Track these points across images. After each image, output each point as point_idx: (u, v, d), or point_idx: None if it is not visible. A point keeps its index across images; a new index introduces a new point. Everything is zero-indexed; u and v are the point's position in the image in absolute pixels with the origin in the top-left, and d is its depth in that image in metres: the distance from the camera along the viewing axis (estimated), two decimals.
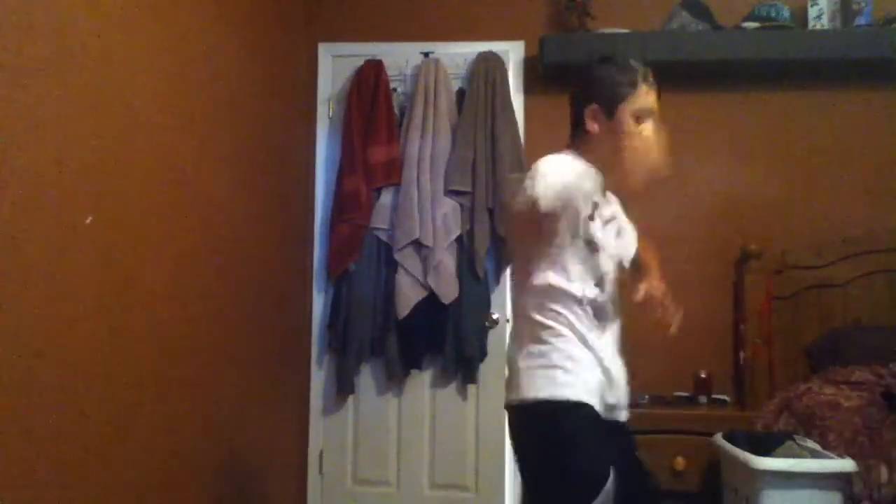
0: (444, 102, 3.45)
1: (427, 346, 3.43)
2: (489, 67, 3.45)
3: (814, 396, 2.73)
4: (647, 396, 3.24)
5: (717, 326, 3.37)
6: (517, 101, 3.51)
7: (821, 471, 2.32)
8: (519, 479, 1.77)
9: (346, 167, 3.49)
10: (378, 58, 3.55)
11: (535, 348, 1.69)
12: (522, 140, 3.44)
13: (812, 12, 3.30)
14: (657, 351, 3.31)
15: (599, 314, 1.74)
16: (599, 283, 1.73)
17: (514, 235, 1.78)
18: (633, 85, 1.73)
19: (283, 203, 3.34)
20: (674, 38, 3.29)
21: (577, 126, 1.78)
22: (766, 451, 2.49)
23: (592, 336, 1.71)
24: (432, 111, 3.44)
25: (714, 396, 3.25)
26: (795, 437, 2.56)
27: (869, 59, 3.23)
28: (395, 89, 3.56)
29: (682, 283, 3.29)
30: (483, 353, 3.40)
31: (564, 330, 1.69)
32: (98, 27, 1.92)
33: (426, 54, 3.55)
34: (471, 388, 3.46)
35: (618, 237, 1.84)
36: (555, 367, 1.66)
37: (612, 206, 1.84)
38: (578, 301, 1.70)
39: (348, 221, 3.44)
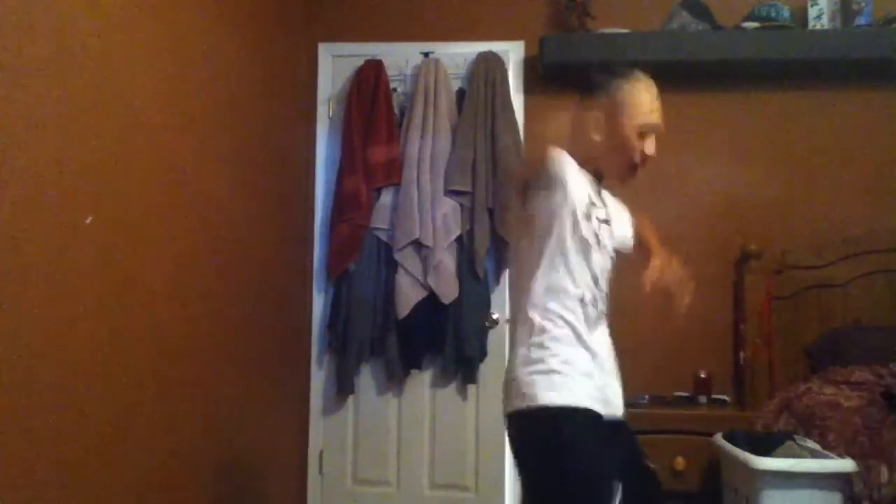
0: (444, 102, 3.45)
1: (427, 346, 3.43)
2: (489, 67, 3.45)
3: (814, 396, 2.73)
4: (647, 396, 3.24)
5: (717, 326, 3.37)
6: (517, 101, 3.51)
7: (821, 471, 2.32)
8: (519, 480, 1.77)
9: (346, 167, 3.49)
10: (378, 58, 3.55)
11: (534, 353, 1.68)
12: (522, 140, 3.44)
13: (812, 12, 3.30)
14: (657, 351, 3.34)
15: (595, 312, 1.74)
16: (595, 281, 1.73)
17: (514, 238, 1.77)
18: (640, 96, 1.73)
19: (283, 203, 3.34)
20: (674, 38, 3.29)
21: (578, 131, 1.78)
22: (766, 451, 2.49)
23: (589, 335, 1.71)
24: (432, 111, 3.44)
25: (714, 396, 3.24)
26: (795, 437, 2.56)
27: (869, 59, 3.23)
28: (395, 89, 3.56)
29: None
30: (483, 353, 3.40)
31: (563, 332, 1.68)
32: (98, 27, 1.92)
33: (426, 54, 3.55)
34: (471, 388, 3.46)
35: (612, 230, 1.83)
36: (552, 371, 1.66)
37: (607, 209, 1.83)
38: (578, 299, 1.69)
39: (348, 221, 3.44)
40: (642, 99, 1.73)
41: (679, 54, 3.25)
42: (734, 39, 3.28)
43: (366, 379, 3.53)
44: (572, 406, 1.64)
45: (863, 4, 3.23)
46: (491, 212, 3.38)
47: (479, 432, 3.44)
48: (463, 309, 3.36)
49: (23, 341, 1.65)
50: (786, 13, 3.29)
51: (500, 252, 3.43)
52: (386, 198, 3.46)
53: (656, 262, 1.74)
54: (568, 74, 3.19)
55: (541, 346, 1.68)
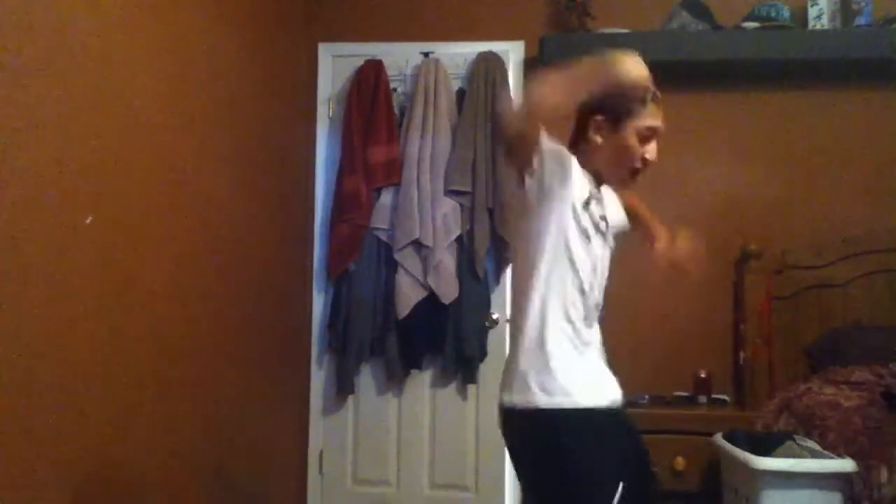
0: (444, 102, 3.45)
1: (427, 346, 3.43)
2: (489, 67, 3.45)
3: (814, 396, 2.73)
4: (647, 396, 3.24)
5: (717, 326, 3.37)
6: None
7: (821, 471, 2.32)
8: (517, 477, 1.77)
9: (346, 167, 3.49)
10: (378, 58, 3.55)
11: (535, 348, 1.67)
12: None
13: (812, 12, 3.30)
14: (657, 351, 3.34)
15: (594, 303, 1.73)
16: (595, 271, 1.73)
17: (515, 231, 1.76)
18: (643, 102, 1.72)
19: (283, 203, 3.34)
20: (674, 38, 3.29)
21: (579, 133, 1.78)
22: (766, 451, 2.49)
23: (587, 329, 1.71)
24: (432, 111, 3.44)
25: (714, 396, 3.24)
26: (795, 437, 2.56)
27: (869, 59, 3.22)
28: (395, 89, 3.56)
29: (682, 283, 3.34)
30: (483, 353, 3.40)
31: (564, 326, 1.67)
32: (98, 27, 1.92)
33: (426, 54, 3.55)
34: (471, 388, 3.46)
35: (610, 222, 1.84)
36: (554, 370, 1.65)
37: (606, 204, 1.83)
38: (580, 291, 1.68)
39: (348, 221, 3.44)
40: (646, 100, 1.73)
41: (679, 54, 3.25)
42: (734, 39, 3.28)
43: (366, 379, 3.53)
44: (573, 408, 1.63)
45: (863, 4, 3.23)
46: (491, 212, 3.38)
47: (479, 432, 3.44)
48: (463, 309, 3.36)
49: (23, 341, 1.65)
50: (786, 13, 3.28)
51: (500, 252, 3.43)
52: (386, 198, 3.46)
53: (663, 236, 1.82)
54: None
55: (544, 342, 1.66)
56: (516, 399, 1.68)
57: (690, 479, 2.97)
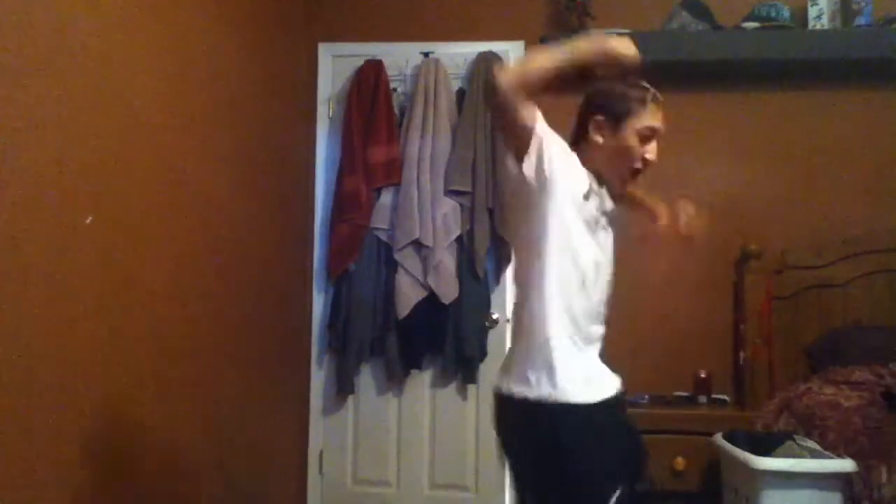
0: (444, 102, 3.45)
1: (427, 346, 3.43)
2: (489, 67, 3.45)
3: (814, 396, 2.73)
4: (647, 396, 3.24)
5: (717, 326, 3.37)
6: None
7: (821, 471, 2.32)
8: (508, 465, 1.76)
9: (346, 167, 3.49)
10: (378, 58, 3.55)
11: (537, 342, 1.66)
12: None
13: (812, 12, 3.30)
14: (657, 351, 3.34)
15: (597, 302, 1.73)
16: (598, 266, 1.72)
17: (515, 224, 1.75)
18: (643, 103, 1.72)
19: (283, 203, 3.34)
20: (674, 38, 3.29)
21: (580, 133, 1.78)
22: (766, 451, 2.49)
23: (590, 324, 1.71)
24: (432, 111, 3.44)
25: (714, 396, 3.25)
26: (795, 437, 2.56)
27: (869, 59, 3.23)
28: (395, 89, 3.56)
29: (682, 283, 3.35)
30: (483, 353, 3.40)
31: (566, 321, 1.66)
32: (98, 27, 1.92)
33: (426, 54, 3.55)
34: (471, 388, 3.46)
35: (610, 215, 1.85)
36: (555, 365, 1.64)
37: (605, 204, 1.82)
38: (581, 286, 1.67)
39: (348, 221, 3.44)
40: (646, 101, 1.74)
41: (679, 54, 3.24)
42: (734, 39, 3.28)
43: (366, 379, 3.53)
44: (572, 402, 1.63)
45: (863, 4, 3.23)
46: (491, 212, 3.38)
47: (479, 432, 3.45)
48: (463, 309, 3.36)
49: (23, 341, 1.65)
50: (786, 13, 3.29)
51: (500, 252, 3.43)
52: (386, 198, 3.46)
53: (664, 212, 1.88)
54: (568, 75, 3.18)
55: (542, 337, 1.65)
56: (515, 389, 1.67)
57: (690, 479, 2.97)
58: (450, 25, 3.60)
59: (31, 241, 1.67)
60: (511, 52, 3.54)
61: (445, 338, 3.39)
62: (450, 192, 3.39)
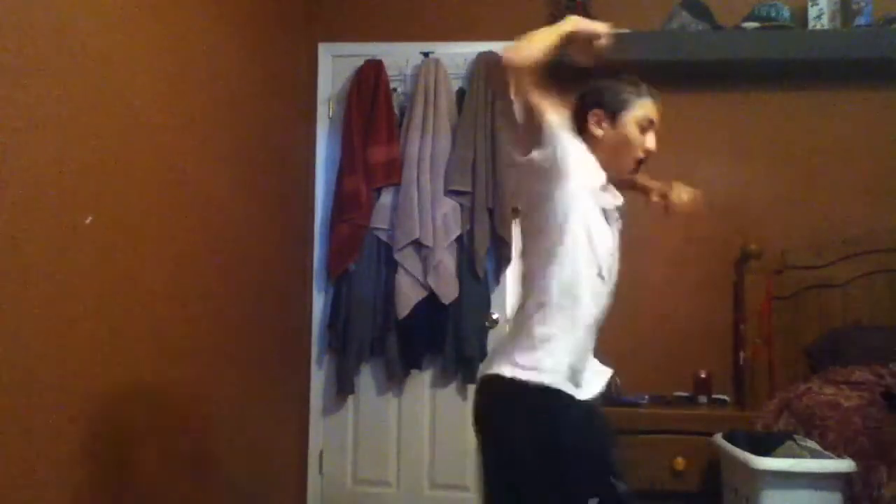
0: (444, 102, 3.45)
1: (427, 346, 3.43)
2: (491, 62, 3.45)
3: (814, 396, 2.73)
4: (647, 396, 3.24)
5: (717, 326, 3.37)
6: None
7: (820, 471, 2.32)
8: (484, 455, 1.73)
9: (346, 167, 3.49)
10: (378, 58, 3.55)
11: (541, 326, 1.66)
12: None
13: (812, 12, 3.30)
14: (657, 351, 3.34)
15: (608, 293, 1.73)
16: (611, 255, 1.74)
17: (535, 208, 1.74)
18: (638, 95, 1.77)
19: (283, 203, 3.34)
20: (674, 38, 3.29)
21: (579, 130, 1.79)
22: (766, 451, 2.49)
23: (601, 312, 1.72)
24: (432, 111, 3.44)
25: (714, 396, 3.24)
26: (795, 437, 2.56)
27: (869, 59, 3.22)
28: (395, 89, 3.56)
29: (682, 283, 3.35)
30: (483, 353, 3.39)
31: (583, 308, 1.66)
32: (98, 27, 1.92)
33: (426, 54, 3.55)
34: (471, 388, 3.45)
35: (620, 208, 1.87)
36: (557, 355, 1.64)
37: (616, 198, 1.83)
38: (598, 268, 1.68)
39: (348, 221, 3.44)
40: (641, 93, 1.78)
41: (679, 54, 3.24)
42: (734, 39, 3.28)
43: (366, 379, 3.53)
44: (573, 395, 1.63)
45: (863, 4, 3.23)
46: (491, 212, 3.38)
47: None
48: (463, 309, 3.36)
49: (23, 341, 1.65)
50: (786, 13, 3.28)
51: (500, 252, 3.43)
52: (386, 198, 3.46)
53: (657, 187, 1.94)
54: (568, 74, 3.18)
55: (553, 325, 1.65)
56: (520, 374, 1.64)
57: (690, 479, 2.97)
58: (450, 25, 3.59)
59: (31, 241, 1.67)
60: None
61: (445, 338, 3.38)
62: (450, 192, 3.39)
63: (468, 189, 3.37)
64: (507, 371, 1.66)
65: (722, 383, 3.31)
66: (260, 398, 3.05)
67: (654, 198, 1.98)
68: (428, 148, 3.41)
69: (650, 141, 1.77)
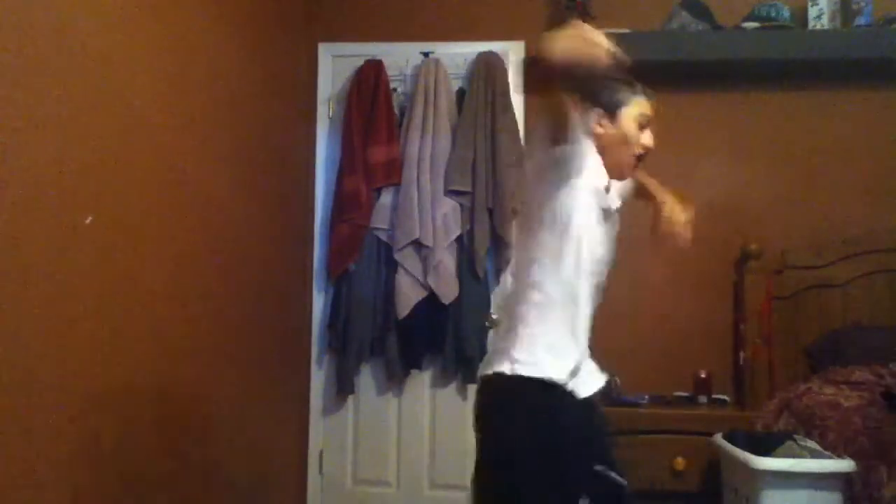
0: (444, 102, 3.45)
1: (427, 346, 3.43)
2: (489, 67, 3.45)
3: (814, 396, 2.73)
4: (647, 396, 3.24)
5: (717, 326, 3.37)
6: (517, 101, 3.50)
7: (820, 471, 2.32)
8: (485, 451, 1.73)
9: (346, 167, 3.49)
10: (378, 58, 3.55)
11: (540, 323, 1.67)
12: (522, 140, 3.44)
13: (812, 12, 3.30)
14: (657, 351, 3.34)
15: (600, 284, 1.75)
16: (608, 251, 1.76)
17: (537, 205, 1.75)
18: (635, 93, 1.81)
19: (283, 203, 3.34)
20: (674, 38, 3.29)
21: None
22: (766, 451, 2.49)
23: (593, 309, 1.72)
24: (432, 111, 3.44)
25: (714, 396, 3.24)
26: (795, 437, 2.56)
27: (869, 59, 3.22)
28: (395, 89, 3.56)
29: (682, 283, 3.35)
30: (483, 353, 3.38)
31: (569, 309, 1.67)
32: (98, 27, 1.92)
33: (426, 54, 3.55)
34: (471, 388, 3.46)
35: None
36: (557, 348, 1.65)
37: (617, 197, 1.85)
38: (594, 270, 1.70)
39: (348, 221, 3.44)
40: (636, 92, 1.81)
41: (679, 54, 3.25)
42: (734, 39, 3.28)
43: (366, 379, 3.53)
44: (569, 387, 1.64)
45: (863, 4, 3.23)
46: (491, 212, 3.38)
47: None
48: (463, 309, 3.36)
49: (23, 341, 1.65)
50: (786, 13, 3.28)
51: (500, 252, 3.43)
52: (386, 198, 3.46)
53: (668, 201, 1.89)
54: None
55: (549, 316, 1.67)
56: (522, 370, 1.64)
57: (690, 479, 2.97)
58: (450, 25, 3.60)
59: (31, 241, 1.67)
60: (511, 52, 3.54)
61: (445, 338, 3.39)
62: (450, 192, 3.39)
63: (468, 189, 3.37)
64: (506, 368, 1.67)
65: (722, 383, 3.30)
66: (260, 398, 3.05)
67: (653, 207, 1.97)
68: (428, 148, 3.41)
69: (647, 137, 1.80)
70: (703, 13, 3.34)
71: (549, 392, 1.63)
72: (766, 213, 3.38)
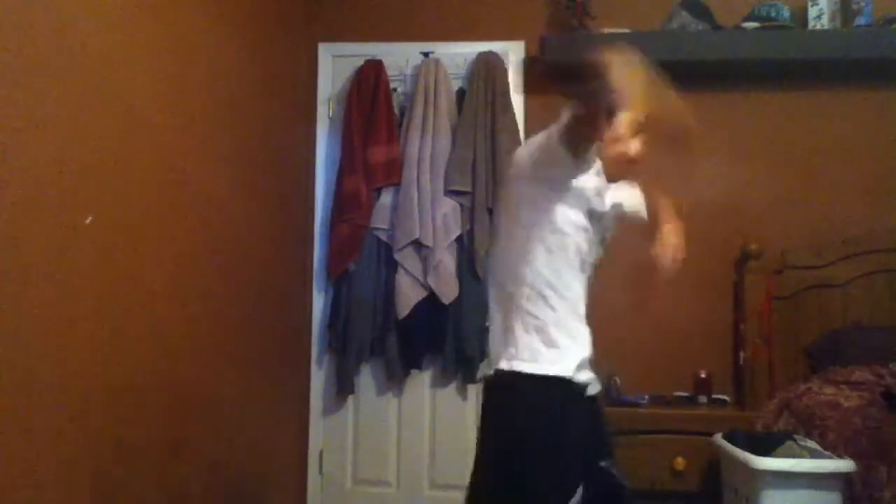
0: (444, 102, 3.46)
1: (427, 346, 3.43)
2: (489, 67, 3.45)
3: (814, 396, 2.73)
4: (647, 396, 3.24)
5: (717, 326, 3.37)
6: (517, 101, 3.51)
7: (820, 471, 2.32)
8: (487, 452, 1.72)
9: (346, 167, 3.49)
10: (378, 58, 3.55)
11: (533, 320, 1.67)
12: (522, 140, 3.44)
13: (812, 12, 3.30)
14: (657, 351, 3.34)
15: (588, 278, 1.75)
16: (592, 248, 1.76)
17: (516, 202, 1.76)
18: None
19: (283, 203, 3.34)
20: (674, 38, 3.29)
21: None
22: (766, 451, 2.49)
23: (579, 308, 1.72)
24: (432, 111, 3.44)
25: (714, 396, 3.24)
26: (795, 437, 2.56)
27: (869, 59, 3.23)
28: (395, 89, 3.56)
29: (682, 283, 3.34)
30: (483, 353, 3.40)
31: (561, 303, 1.68)
32: (98, 27, 1.92)
33: (426, 54, 3.55)
34: (471, 388, 3.46)
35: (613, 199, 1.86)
36: (552, 341, 1.66)
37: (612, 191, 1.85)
38: (581, 261, 1.70)
39: (348, 221, 3.44)
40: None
41: (679, 54, 3.24)
42: (734, 39, 3.28)
43: (366, 379, 3.54)
44: (566, 378, 1.64)
45: (863, 4, 3.23)
46: (491, 212, 3.38)
47: None
48: (463, 309, 3.36)
49: (23, 341, 1.65)
50: (786, 13, 3.29)
51: None
52: (386, 198, 3.46)
53: (667, 225, 1.84)
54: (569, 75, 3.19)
55: (540, 314, 1.67)
56: (520, 366, 1.66)
57: (690, 479, 2.97)
58: (450, 25, 3.60)
59: (31, 241, 1.67)
60: (511, 52, 3.54)
61: (445, 338, 3.39)
62: (450, 192, 3.39)
63: (468, 189, 3.37)
64: (504, 365, 1.68)
65: (722, 383, 3.31)
66: (260, 398, 3.05)
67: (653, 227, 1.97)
68: (428, 148, 3.41)
69: (638, 141, 1.79)
70: (703, 13, 3.34)
71: (548, 384, 1.64)
72: (766, 213, 3.38)
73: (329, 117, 3.65)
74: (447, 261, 3.37)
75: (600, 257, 1.81)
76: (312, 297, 3.58)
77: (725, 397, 3.28)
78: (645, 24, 3.40)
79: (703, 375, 3.25)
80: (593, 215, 1.74)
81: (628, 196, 1.90)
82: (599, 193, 1.75)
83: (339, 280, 3.48)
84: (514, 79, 3.53)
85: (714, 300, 3.37)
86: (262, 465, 3.11)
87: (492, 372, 1.72)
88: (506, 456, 1.67)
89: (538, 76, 3.50)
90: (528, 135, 3.44)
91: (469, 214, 3.40)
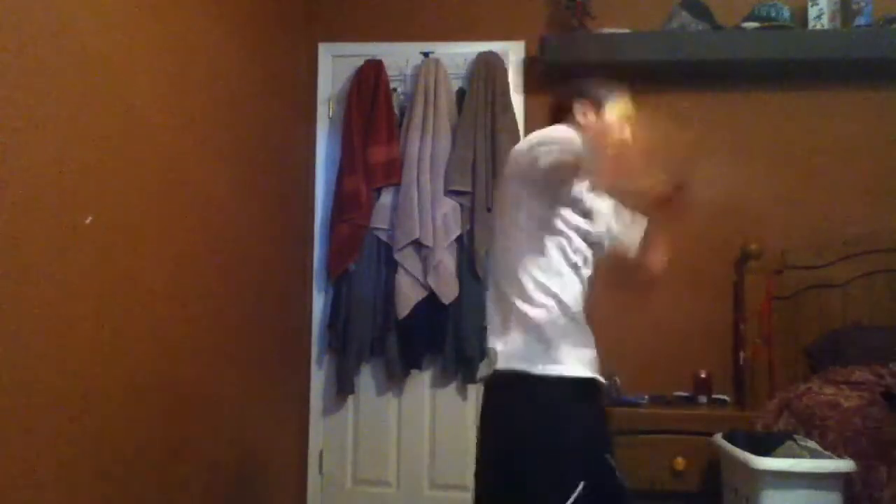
0: (444, 102, 3.45)
1: (427, 346, 3.43)
2: (489, 67, 3.45)
3: (814, 396, 2.73)
4: (647, 396, 3.24)
5: (717, 326, 3.37)
6: (517, 101, 3.51)
7: (820, 471, 2.32)
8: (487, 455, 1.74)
9: (346, 167, 3.49)
10: (378, 58, 3.55)
11: (532, 320, 1.68)
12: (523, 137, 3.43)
13: (812, 12, 3.30)
14: (657, 351, 3.34)
15: (587, 281, 1.77)
16: (589, 254, 1.78)
17: (513, 202, 1.77)
18: (619, 92, 1.87)
19: (283, 203, 3.34)
20: (674, 38, 3.29)
21: (565, 118, 1.83)
22: (766, 451, 2.49)
23: (581, 305, 1.73)
24: (432, 111, 3.44)
25: (714, 396, 3.24)
26: (795, 437, 2.56)
27: (869, 59, 3.23)
28: (395, 89, 3.56)
29: (682, 283, 3.35)
30: (483, 353, 3.39)
31: (559, 303, 1.68)
32: (98, 27, 1.92)
33: (426, 54, 3.55)
34: (471, 388, 3.46)
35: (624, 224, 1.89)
36: (550, 340, 1.66)
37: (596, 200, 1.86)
38: (579, 261, 1.72)
39: (348, 221, 3.44)
40: (620, 91, 1.88)
41: (679, 54, 3.25)
42: (734, 39, 3.28)
43: (366, 379, 3.54)
44: (568, 376, 1.65)
45: (863, 4, 3.23)
46: (491, 212, 3.38)
47: None
48: (463, 309, 3.36)
49: (23, 341, 1.65)
50: (786, 13, 3.29)
51: None
52: (386, 198, 3.46)
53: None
54: (568, 74, 3.19)
55: (538, 315, 1.68)
56: (518, 366, 1.67)
57: (690, 479, 2.97)
58: (450, 25, 3.60)
59: (31, 241, 1.67)
60: (511, 52, 3.54)
61: (445, 338, 3.39)
62: (450, 192, 3.39)
63: (468, 189, 3.37)
64: (502, 365, 1.70)
65: (722, 383, 3.31)
66: (260, 398, 3.05)
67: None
68: (428, 148, 3.41)
69: (627, 134, 1.83)
70: (703, 13, 3.34)
71: (546, 387, 1.64)
72: (766, 213, 3.38)
73: (329, 117, 3.65)
74: (447, 261, 3.37)
75: (600, 257, 1.81)
76: (312, 297, 3.58)
77: (725, 397, 3.28)
78: (645, 24, 3.40)
79: (703, 375, 3.25)
80: (588, 214, 1.76)
81: (615, 219, 1.90)
82: (592, 191, 1.77)
83: (339, 280, 3.48)
84: (514, 79, 3.53)
85: (714, 300, 3.37)
86: (262, 465, 3.11)
87: (491, 372, 1.72)
88: (505, 456, 1.67)
89: (538, 76, 3.50)
90: (527, 135, 3.45)
91: (469, 214, 3.40)
